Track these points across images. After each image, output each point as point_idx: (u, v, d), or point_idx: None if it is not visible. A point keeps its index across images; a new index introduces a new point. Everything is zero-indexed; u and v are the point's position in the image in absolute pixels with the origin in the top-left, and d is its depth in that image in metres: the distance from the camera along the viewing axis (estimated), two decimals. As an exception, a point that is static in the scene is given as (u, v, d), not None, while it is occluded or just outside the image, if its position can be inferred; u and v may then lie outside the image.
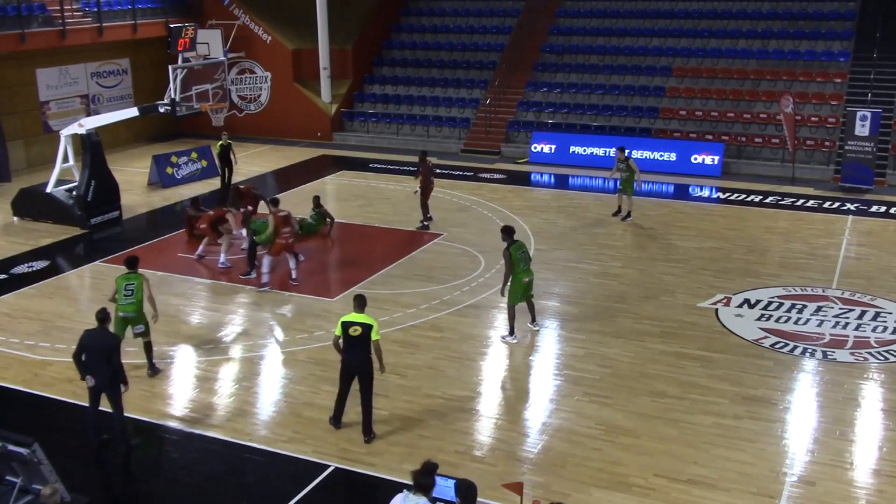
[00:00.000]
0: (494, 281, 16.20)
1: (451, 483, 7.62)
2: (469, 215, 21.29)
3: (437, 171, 24.06)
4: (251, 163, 27.21)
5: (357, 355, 10.80)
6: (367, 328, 10.68)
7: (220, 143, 23.43)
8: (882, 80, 25.97)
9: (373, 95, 31.49)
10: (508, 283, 13.98)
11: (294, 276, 16.75)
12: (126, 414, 11.04)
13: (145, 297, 12.67)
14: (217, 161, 24.37)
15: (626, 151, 20.84)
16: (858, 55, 26.95)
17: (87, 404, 11.00)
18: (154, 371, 13.00)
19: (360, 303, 10.92)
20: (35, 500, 8.29)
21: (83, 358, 10.74)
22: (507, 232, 14.11)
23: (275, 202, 16.87)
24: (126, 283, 12.61)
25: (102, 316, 10.85)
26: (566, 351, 13.80)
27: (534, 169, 26.62)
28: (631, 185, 20.56)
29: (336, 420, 11.36)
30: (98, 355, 10.63)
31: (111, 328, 11.30)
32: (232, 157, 23.54)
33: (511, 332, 14.14)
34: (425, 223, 20.21)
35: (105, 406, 10.89)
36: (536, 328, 14.50)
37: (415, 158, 22.06)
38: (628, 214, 20.75)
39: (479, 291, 16.17)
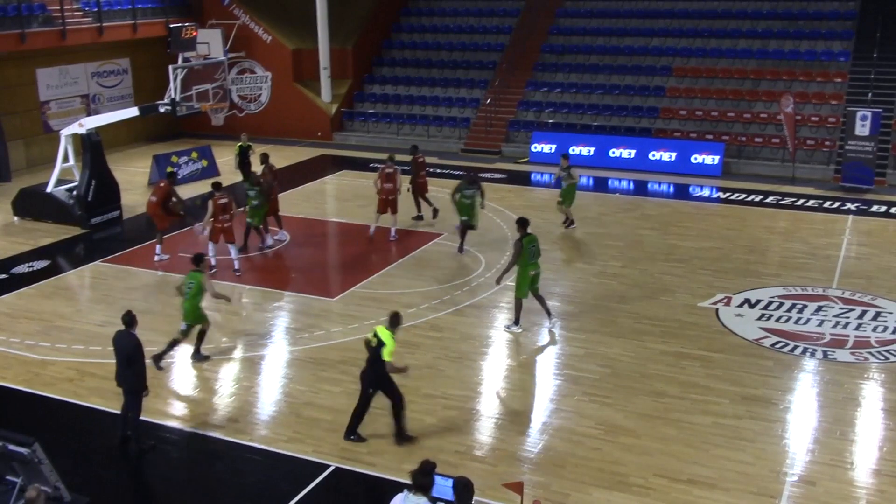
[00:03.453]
0: (494, 281, 16.18)
1: (451, 482, 7.61)
2: (469, 215, 21.25)
3: (438, 171, 24.11)
4: (251, 163, 27.06)
5: (369, 367, 10.72)
6: (379, 343, 10.52)
7: (240, 144, 22.87)
8: (882, 80, 25.95)
9: (373, 95, 31.48)
10: (510, 273, 14.22)
11: (237, 266, 17.04)
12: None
13: (209, 293, 13.01)
14: (236, 162, 23.51)
15: (569, 160, 20.16)
16: (858, 55, 26.92)
17: (87, 404, 10.99)
18: (200, 358, 13.40)
19: (391, 320, 10.76)
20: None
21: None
22: (522, 224, 14.28)
23: (216, 186, 17.13)
24: (188, 280, 12.98)
25: (129, 319, 10.79)
26: (566, 351, 13.80)
27: (534, 169, 26.60)
28: (571, 196, 19.75)
29: (350, 431, 11.03)
30: (121, 357, 10.68)
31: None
32: (250, 159, 23.04)
33: (516, 322, 14.38)
34: (420, 215, 20.60)
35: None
36: (553, 323, 14.49)
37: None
38: (571, 222, 19.95)
39: (479, 291, 16.16)
